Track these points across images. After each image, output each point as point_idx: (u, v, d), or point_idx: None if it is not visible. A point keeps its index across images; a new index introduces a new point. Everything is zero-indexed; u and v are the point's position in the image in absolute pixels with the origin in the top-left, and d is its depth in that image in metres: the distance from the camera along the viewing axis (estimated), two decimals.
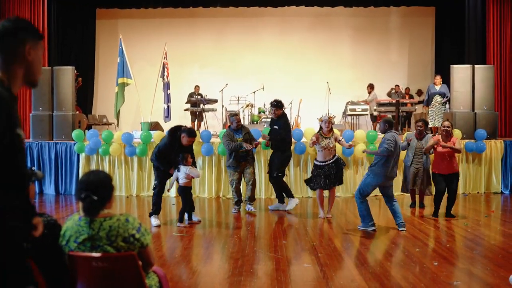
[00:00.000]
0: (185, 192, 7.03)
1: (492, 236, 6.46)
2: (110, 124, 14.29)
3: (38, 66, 2.20)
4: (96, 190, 2.71)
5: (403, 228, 6.62)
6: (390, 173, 6.57)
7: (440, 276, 4.65)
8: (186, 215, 7.16)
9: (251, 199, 8.13)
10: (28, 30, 2.18)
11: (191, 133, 6.98)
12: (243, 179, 8.13)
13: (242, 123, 8.43)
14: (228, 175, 8.25)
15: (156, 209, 7.14)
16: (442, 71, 13.07)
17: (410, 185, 8.10)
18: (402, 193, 9.07)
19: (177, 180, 7.06)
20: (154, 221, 7.07)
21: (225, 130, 8.82)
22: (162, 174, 7.17)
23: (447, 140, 7.48)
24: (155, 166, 7.22)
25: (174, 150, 6.95)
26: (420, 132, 8.03)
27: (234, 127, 8.06)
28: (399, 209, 6.71)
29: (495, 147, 10.21)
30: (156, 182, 7.28)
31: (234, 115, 8.28)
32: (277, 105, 8.31)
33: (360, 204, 6.70)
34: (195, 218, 7.35)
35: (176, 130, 7.04)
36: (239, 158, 7.89)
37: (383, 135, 6.76)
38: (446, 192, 7.54)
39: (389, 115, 13.91)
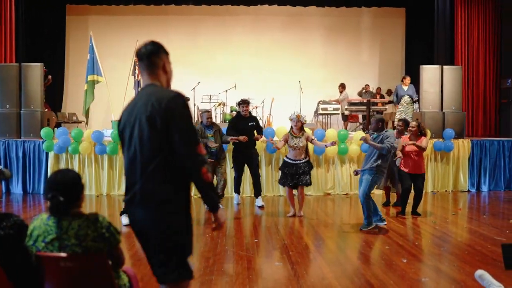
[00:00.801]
0: None
1: (459, 234, 6.60)
2: (80, 122, 14.05)
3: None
4: (64, 190, 2.66)
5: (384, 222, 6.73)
6: (386, 169, 6.70)
7: (408, 273, 4.73)
8: None
9: (220, 197, 8.13)
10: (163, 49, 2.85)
11: None
12: (214, 177, 8.12)
13: (213, 120, 8.42)
14: None
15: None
16: (412, 71, 13.27)
17: (384, 183, 8.19)
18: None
19: None
20: (124, 220, 6.99)
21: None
22: None
23: (416, 139, 7.60)
24: None
25: None
26: (400, 131, 8.10)
27: (205, 123, 8.05)
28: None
29: (462, 146, 10.42)
30: None
31: (205, 111, 8.26)
32: (248, 102, 8.38)
33: (368, 203, 6.60)
34: None
35: None
36: (209, 156, 7.87)
37: (373, 132, 6.78)
38: (412, 191, 7.69)
39: (361, 115, 14.13)
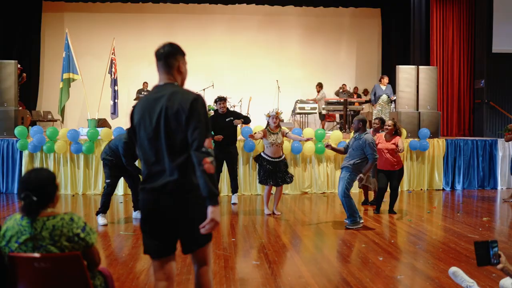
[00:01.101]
0: None
1: (434, 231, 6.69)
2: (55, 120, 13.87)
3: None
4: (37, 189, 2.62)
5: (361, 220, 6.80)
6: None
7: (384, 271, 4.78)
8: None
9: None
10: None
11: None
12: None
13: None
14: None
15: (104, 208, 6.98)
16: (388, 71, 13.42)
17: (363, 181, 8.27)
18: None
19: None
20: (101, 220, 6.90)
21: None
22: (116, 173, 6.97)
23: (391, 138, 7.69)
24: (106, 164, 6.97)
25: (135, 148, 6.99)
26: (376, 129, 8.20)
27: None
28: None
29: (437, 146, 10.58)
30: (108, 181, 7.01)
31: None
32: (225, 98, 8.41)
33: (349, 201, 6.65)
34: None
35: None
36: None
37: (354, 132, 6.90)
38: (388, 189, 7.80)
39: (338, 114, 14.23)
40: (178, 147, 2.77)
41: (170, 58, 3.02)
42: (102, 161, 7.12)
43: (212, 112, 12.93)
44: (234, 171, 8.52)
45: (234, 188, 8.62)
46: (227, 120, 8.21)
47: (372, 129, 8.32)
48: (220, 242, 5.95)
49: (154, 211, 2.82)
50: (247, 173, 9.81)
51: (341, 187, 6.67)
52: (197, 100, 2.87)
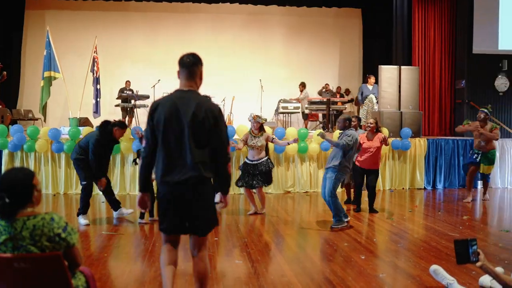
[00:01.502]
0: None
1: (415, 230, 6.76)
2: (36, 119, 13.70)
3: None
4: (9, 190, 2.58)
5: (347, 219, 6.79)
6: (350, 166, 6.82)
7: (367, 269, 4.81)
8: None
9: None
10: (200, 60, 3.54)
11: (123, 125, 7.02)
12: None
13: None
14: None
15: (85, 209, 6.91)
16: (370, 71, 13.50)
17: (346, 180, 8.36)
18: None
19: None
20: (82, 220, 6.84)
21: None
22: (90, 173, 6.86)
23: (373, 136, 7.75)
24: (80, 165, 6.86)
25: (107, 146, 6.94)
26: (354, 127, 8.24)
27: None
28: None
29: (419, 145, 10.68)
30: (84, 183, 6.92)
31: None
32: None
33: (334, 201, 6.62)
34: (128, 210, 7.35)
35: (107, 125, 6.87)
36: None
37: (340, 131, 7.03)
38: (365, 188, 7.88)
39: (321, 114, 14.29)
40: (200, 147, 3.28)
41: (194, 67, 3.49)
42: (73, 162, 7.02)
43: None
44: None
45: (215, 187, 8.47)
46: None
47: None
48: None
49: (176, 199, 3.32)
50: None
51: (327, 187, 6.60)
52: (221, 111, 3.45)
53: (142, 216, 6.98)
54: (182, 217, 3.35)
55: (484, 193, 9.35)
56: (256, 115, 7.55)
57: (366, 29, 16.18)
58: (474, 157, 8.98)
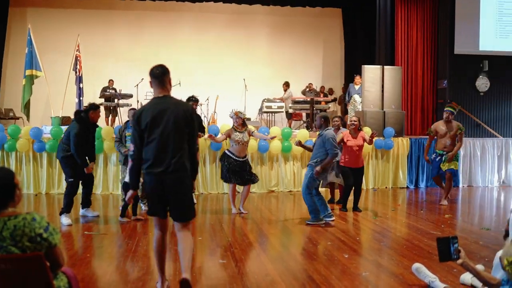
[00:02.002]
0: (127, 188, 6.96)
1: (398, 229, 6.82)
2: (18, 118, 13.53)
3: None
4: None
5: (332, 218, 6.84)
6: (330, 167, 7.01)
7: (350, 268, 4.84)
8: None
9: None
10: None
11: (96, 106, 7.07)
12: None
13: None
14: (121, 173, 8.00)
15: (68, 208, 6.84)
16: (354, 71, 13.58)
17: (328, 180, 8.41)
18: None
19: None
20: (65, 220, 6.75)
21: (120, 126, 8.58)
22: (78, 170, 6.83)
23: (355, 134, 7.80)
24: (67, 163, 6.83)
25: (89, 133, 7.00)
26: (337, 127, 8.31)
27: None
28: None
29: (402, 145, 10.76)
30: (71, 180, 6.89)
31: (132, 109, 8.02)
32: (197, 100, 8.19)
33: (310, 198, 6.77)
34: (94, 213, 7.32)
35: (80, 113, 6.99)
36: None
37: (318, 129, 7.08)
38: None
39: (304, 113, 14.34)
40: (179, 141, 3.92)
41: (164, 76, 4.08)
42: (60, 161, 6.99)
43: None
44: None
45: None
46: None
47: (333, 127, 8.41)
48: None
49: (161, 185, 3.90)
50: (214, 172, 9.77)
51: (303, 183, 6.83)
52: (193, 109, 4.36)
53: (123, 214, 6.98)
54: (165, 202, 3.97)
55: (446, 196, 8.71)
56: (238, 111, 7.55)
57: (349, 29, 16.24)
58: (437, 159, 8.56)
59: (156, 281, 4.18)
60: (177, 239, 4.05)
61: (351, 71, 13.55)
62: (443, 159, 8.48)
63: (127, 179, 6.75)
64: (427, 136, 9.06)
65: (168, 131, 3.88)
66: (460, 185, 11.07)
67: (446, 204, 8.56)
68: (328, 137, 6.64)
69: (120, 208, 7.16)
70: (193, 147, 4.03)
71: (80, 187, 7.12)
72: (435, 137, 8.73)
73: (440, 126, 8.60)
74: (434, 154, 8.69)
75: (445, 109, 8.73)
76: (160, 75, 4.06)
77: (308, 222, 6.81)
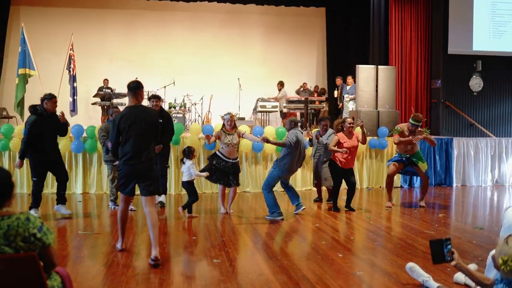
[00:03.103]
0: (190, 185, 7.21)
1: (392, 228, 6.84)
2: (11, 117, 13.46)
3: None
4: None
5: (303, 207, 7.36)
6: (294, 168, 7.22)
7: (344, 267, 4.84)
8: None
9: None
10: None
11: (50, 95, 6.99)
12: None
13: None
14: (109, 172, 7.94)
15: (37, 202, 7.07)
16: (347, 71, 13.61)
17: (313, 178, 8.47)
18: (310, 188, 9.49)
19: None
20: (34, 213, 6.79)
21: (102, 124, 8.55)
22: (39, 166, 6.91)
23: (350, 136, 7.81)
24: (30, 161, 6.95)
25: (48, 126, 6.86)
26: (325, 129, 8.35)
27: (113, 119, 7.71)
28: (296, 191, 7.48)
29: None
30: (34, 179, 6.97)
31: (114, 107, 7.99)
32: (159, 96, 8.19)
33: (267, 194, 7.17)
34: (67, 211, 7.29)
35: (35, 106, 6.91)
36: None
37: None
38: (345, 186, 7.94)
39: (299, 112, 14.35)
40: (149, 140, 5.11)
41: (137, 90, 5.17)
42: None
43: (173, 110, 12.89)
44: (164, 169, 8.11)
45: (164, 188, 8.23)
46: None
47: (321, 128, 8.44)
48: (181, 240, 5.91)
49: (134, 171, 5.03)
50: None
51: (265, 180, 7.33)
52: (158, 116, 5.81)
53: (190, 210, 7.33)
54: (136, 184, 5.12)
55: (422, 198, 8.54)
56: (233, 114, 7.59)
57: (342, 29, 16.21)
58: (403, 159, 8.22)
59: (117, 241, 5.45)
60: (145, 214, 5.10)
61: (347, 71, 13.57)
62: (405, 161, 8.17)
63: (184, 178, 7.20)
64: (393, 136, 8.39)
65: (140, 133, 4.99)
66: (454, 185, 11.11)
67: (424, 206, 8.40)
68: (289, 134, 7.15)
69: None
70: (159, 142, 5.82)
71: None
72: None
73: (406, 130, 8.07)
74: (397, 155, 8.37)
75: (411, 122, 7.99)
76: (134, 89, 5.14)
77: (268, 217, 7.15)
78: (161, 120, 7.91)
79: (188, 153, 7.14)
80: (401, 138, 8.00)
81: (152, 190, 5.11)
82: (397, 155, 8.38)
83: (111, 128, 5.14)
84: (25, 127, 6.82)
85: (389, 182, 8.42)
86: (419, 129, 8.03)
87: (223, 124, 7.58)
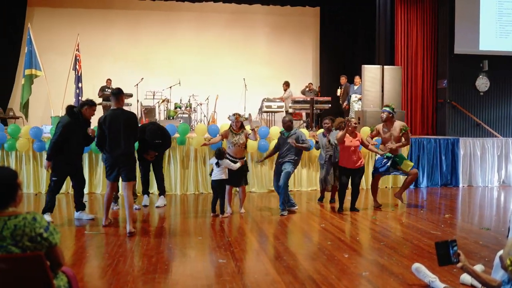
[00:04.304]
0: (222, 185, 7.34)
1: (398, 228, 6.81)
2: (17, 117, 13.53)
3: None
4: None
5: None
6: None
7: (350, 268, 4.83)
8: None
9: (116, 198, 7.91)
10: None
11: (92, 102, 6.95)
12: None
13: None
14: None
15: (51, 206, 6.86)
16: (354, 71, 13.58)
17: (322, 182, 8.47)
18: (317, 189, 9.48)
19: None
20: (47, 217, 6.62)
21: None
22: (63, 167, 6.79)
23: (353, 136, 7.78)
24: (54, 160, 6.74)
25: (79, 130, 6.78)
26: (328, 129, 8.35)
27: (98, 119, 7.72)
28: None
29: None
30: (54, 178, 6.82)
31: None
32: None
33: (288, 190, 7.72)
34: (89, 216, 7.15)
35: (73, 107, 6.88)
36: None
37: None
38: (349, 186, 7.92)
39: (304, 113, 14.34)
40: (127, 137, 6.20)
41: (119, 95, 6.28)
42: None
43: (179, 110, 12.91)
44: (159, 172, 8.25)
45: (162, 190, 8.31)
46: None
47: (324, 129, 8.45)
48: (186, 241, 5.92)
49: (117, 161, 6.24)
50: None
51: (284, 180, 7.61)
52: (136, 117, 6.66)
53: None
54: (118, 171, 6.27)
55: (400, 192, 8.39)
56: (238, 115, 7.58)
57: (348, 29, 16.15)
58: (384, 162, 8.03)
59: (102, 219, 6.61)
60: (123, 196, 6.34)
61: (353, 71, 13.54)
62: (390, 163, 8.00)
63: (213, 177, 7.29)
64: (369, 135, 8.41)
65: (121, 131, 6.13)
66: (460, 185, 11.07)
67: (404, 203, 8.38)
68: (300, 134, 7.70)
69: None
70: (134, 140, 6.49)
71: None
72: (377, 137, 8.27)
73: (381, 129, 8.04)
74: (379, 159, 8.23)
75: (383, 108, 8.10)
76: (117, 94, 6.24)
77: (285, 213, 7.54)
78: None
79: (221, 154, 7.21)
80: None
81: (129, 177, 6.27)
82: (379, 159, 8.17)
83: (97, 127, 6.24)
84: (58, 127, 6.70)
85: (373, 188, 8.38)
86: (389, 145, 7.94)
87: (231, 124, 7.61)
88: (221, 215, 7.32)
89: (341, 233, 6.40)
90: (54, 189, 6.84)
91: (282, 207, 7.58)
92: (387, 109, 8.03)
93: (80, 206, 7.09)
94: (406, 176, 8.24)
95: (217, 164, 7.23)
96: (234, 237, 6.14)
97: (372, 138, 8.30)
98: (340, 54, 16.02)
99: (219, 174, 7.25)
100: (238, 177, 7.46)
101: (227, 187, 7.62)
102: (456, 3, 13.09)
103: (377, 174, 8.31)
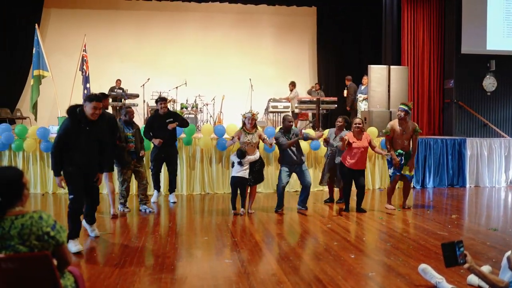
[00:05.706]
0: (243, 182, 7.44)
1: (404, 229, 6.79)
2: (25, 118, 13.59)
3: None
4: (1, 189, 2.56)
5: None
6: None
7: (356, 268, 4.83)
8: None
9: (142, 200, 7.83)
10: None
11: (93, 97, 5.45)
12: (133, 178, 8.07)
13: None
14: (118, 174, 7.66)
15: (74, 232, 5.46)
16: (361, 71, 13.56)
17: (325, 176, 8.46)
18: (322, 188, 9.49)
19: None
20: (73, 246, 5.36)
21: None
22: (76, 173, 5.42)
23: (359, 136, 7.76)
24: (64, 175, 5.50)
25: (80, 132, 5.33)
26: (340, 127, 8.33)
27: (127, 119, 7.65)
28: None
29: None
30: (71, 197, 5.46)
31: (127, 107, 7.85)
32: (165, 99, 8.59)
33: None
34: (94, 232, 6.38)
35: (75, 107, 5.42)
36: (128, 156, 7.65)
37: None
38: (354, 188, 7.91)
39: (310, 113, 14.33)
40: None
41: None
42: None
43: (185, 110, 12.92)
44: (174, 170, 8.56)
45: (172, 187, 8.71)
46: (167, 121, 8.15)
47: (336, 127, 8.44)
48: (192, 241, 5.93)
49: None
50: (220, 172, 9.78)
51: (310, 179, 7.77)
52: (113, 118, 7.07)
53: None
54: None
55: (404, 203, 8.35)
56: (254, 113, 7.62)
57: (354, 29, 16.11)
58: (399, 160, 7.90)
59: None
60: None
61: (360, 71, 13.52)
62: (402, 160, 7.94)
63: (234, 173, 7.39)
64: (385, 137, 8.21)
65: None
66: (467, 186, 11.03)
67: (393, 208, 8.12)
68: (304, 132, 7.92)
69: None
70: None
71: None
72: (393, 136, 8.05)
73: (396, 125, 7.94)
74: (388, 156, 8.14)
75: (400, 106, 8.04)
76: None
77: (303, 208, 7.77)
78: (171, 119, 8.13)
79: (242, 154, 7.32)
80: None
81: (108, 168, 7.02)
82: (393, 168, 8.04)
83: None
84: (57, 136, 5.40)
85: (392, 189, 8.22)
86: (385, 152, 8.05)
87: (244, 123, 7.61)
88: (242, 209, 7.53)
89: (347, 234, 6.39)
90: (71, 211, 5.49)
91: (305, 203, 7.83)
92: (405, 107, 7.95)
93: (89, 219, 6.10)
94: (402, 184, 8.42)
95: (240, 163, 7.33)
96: (240, 237, 6.15)
97: (390, 139, 7.98)
98: (346, 55, 15.98)
99: (242, 172, 7.35)
100: (258, 173, 7.58)
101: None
102: (463, 3, 13.04)
103: (397, 174, 8.03)
